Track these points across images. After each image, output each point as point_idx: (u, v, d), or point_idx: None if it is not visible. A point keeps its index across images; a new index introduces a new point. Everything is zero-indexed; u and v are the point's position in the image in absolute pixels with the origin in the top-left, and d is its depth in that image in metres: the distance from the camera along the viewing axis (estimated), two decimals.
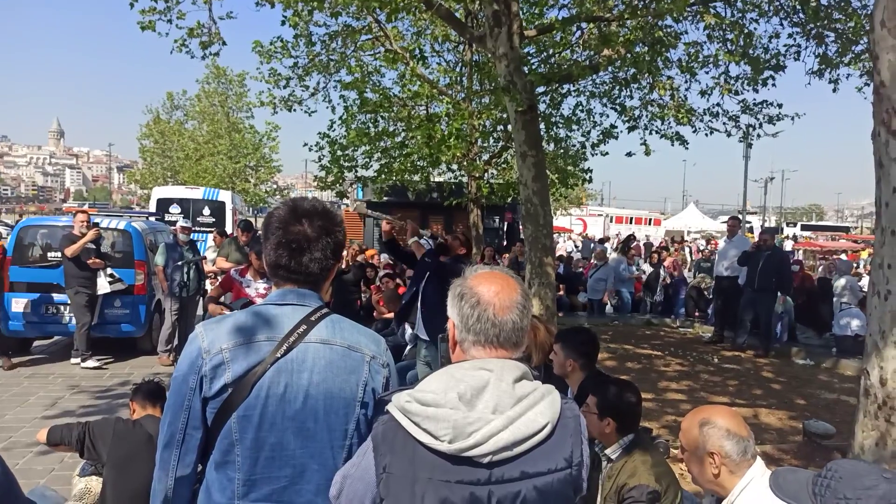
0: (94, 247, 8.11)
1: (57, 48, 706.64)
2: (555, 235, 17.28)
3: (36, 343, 9.06)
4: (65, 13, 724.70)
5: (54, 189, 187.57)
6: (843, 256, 22.22)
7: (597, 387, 3.00)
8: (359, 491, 1.45)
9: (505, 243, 17.57)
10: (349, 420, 1.71)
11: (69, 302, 8.04)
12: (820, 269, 16.77)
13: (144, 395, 3.53)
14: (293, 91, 11.65)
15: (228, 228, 15.66)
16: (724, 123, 9.18)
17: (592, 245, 19.63)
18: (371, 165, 13.92)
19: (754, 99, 8.79)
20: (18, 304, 8.22)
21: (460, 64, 13.27)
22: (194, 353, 1.66)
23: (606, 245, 19.73)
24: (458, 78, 13.19)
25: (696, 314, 12.50)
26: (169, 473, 1.69)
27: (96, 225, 8.19)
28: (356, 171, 13.79)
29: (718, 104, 8.90)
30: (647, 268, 14.43)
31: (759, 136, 9.15)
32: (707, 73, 8.49)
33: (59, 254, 8.11)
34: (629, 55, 7.42)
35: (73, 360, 8.08)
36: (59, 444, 3.27)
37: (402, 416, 1.40)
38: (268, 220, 1.82)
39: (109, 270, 8.25)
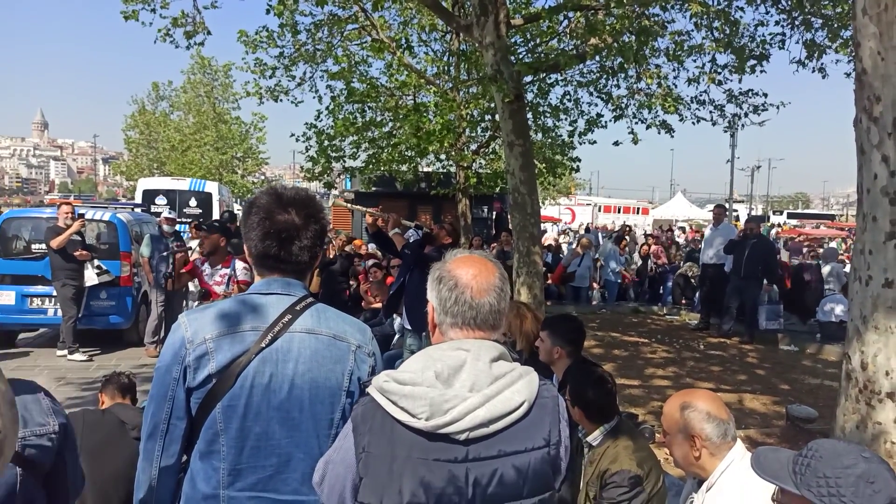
0: (79, 239, 8.06)
1: (40, 38, 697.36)
2: (544, 225, 17.35)
3: (21, 335, 9.00)
4: (48, 2, 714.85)
5: (39, 181, 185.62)
6: (834, 244, 22.45)
7: (568, 375, 3.04)
8: (340, 474, 1.46)
9: (493, 233, 17.60)
10: (335, 409, 1.72)
11: (55, 294, 8.00)
12: (800, 257, 16.93)
13: (115, 387, 3.54)
14: (279, 81, 11.59)
15: (216, 220, 15.56)
16: (710, 112, 9.23)
17: (602, 237, 19.52)
18: (359, 156, 13.88)
19: (740, 88, 8.82)
20: (3, 296, 8.18)
21: (447, 53, 13.22)
22: (178, 343, 1.65)
23: (592, 234, 19.77)
24: (446, 67, 13.15)
25: (683, 302, 12.60)
26: (153, 464, 1.68)
27: (81, 216, 8.14)
28: (344, 162, 13.74)
29: (705, 92, 8.95)
30: (638, 259, 14.52)
31: (744, 125, 9.20)
32: (694, 61, 8.52)
33: (43, 246, 8.05)
34: (616, 44, 7.43)
35: (59, 352, 8.04)
36: None
37: (379, 395, 1.42)
38: (250, 209, 1.79)
39: (96, 262, 8.21)
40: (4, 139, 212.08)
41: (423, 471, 1.36)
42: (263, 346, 1.65)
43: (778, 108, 8.77)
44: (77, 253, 7.95)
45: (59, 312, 8.03)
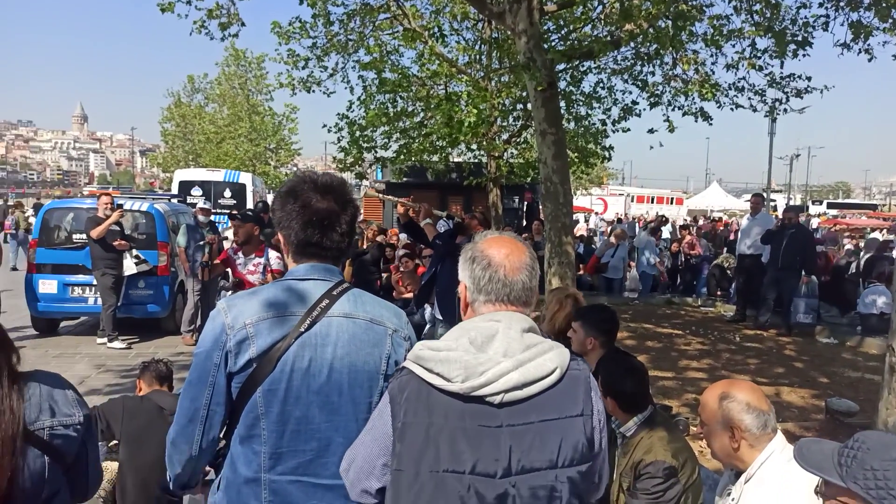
0: (118, 229, 8.24)
1: (79, 33, 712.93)
2: (576, 215, 17.17)
3: (63, 323, 9.25)
4: (86, 1, 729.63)
5: (79, 173, 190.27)
6: (878, 235, 21.82)
7: (600, 364, 3.00)
8: (371, 454, 1.47)
9: (524, 223, 17.49)
10: (373, 393, 1.73)
11: (95, 283, 8.19)
12: (836, 247, 16.47)
13: (153, 374, 3.59)
14: (312, 72, 11.64)
15: (250, 210, 15.76)
16: (749, 99, 8.99)
17: (638, 229, 19.27)
18: (390, 146, 13.89)
19: (781, 72, 8.55)
20: (45, 285, 8.40)
21: (479, 42, 13.13)
22: (218, 329, 1.67)
23: (625, 225, 19.55)
24: (477, 56, 13.06)
25: (718, 293, 12.38)
26: (192, 447, 1.69)
27: (120, 207, 8.31)
28: (375, 152, 13.77)
29: (744, 78, 8.70)
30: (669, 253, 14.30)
31: (785, 110, 8.94)
32: (733, 46, 8.29)
33: (83, 235, 8.25)
34: (652, 29, 7.28)
35: (98, 340, 8.24)
36: None
37: (415, 364, 1.45)
38: (285, 197, 1.79)
39: (135, 252, 8.39)
40: (46, 132, 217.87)
41: (460, 435, 1.38)
42: (303, 330, 1.67)
43: (822, 91, 8.48)
44: (116, 243, 8.12)
45: (99, 301, 8.23)
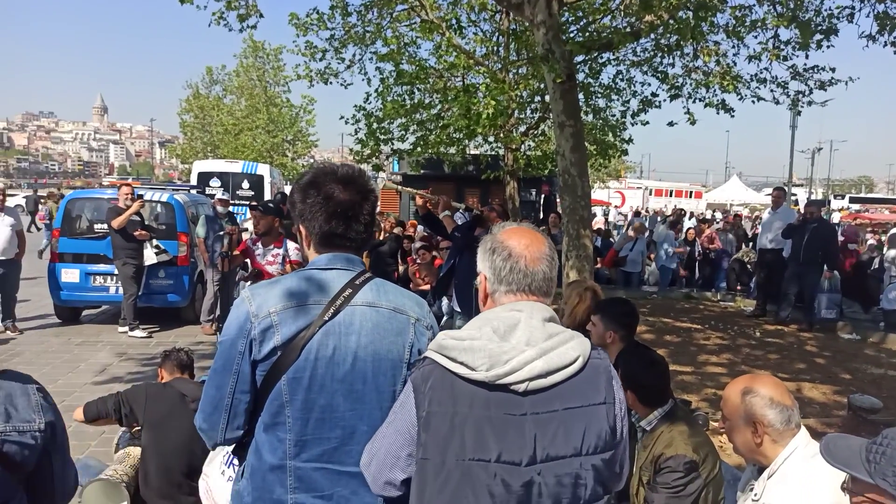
0: (139, 219, 8.32)
1: (99, 25, 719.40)
2: (593, 208, 17.06)
3: (85, 312, 9.38)
4: None
5: (99, 164, 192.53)
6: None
7: (621, 358, 2.98)
8: (394, 445, 1.48)
9: (542, 216, 17.42)
10: (397, 381, 1.74)
11: (116, 272, 8.29)
12: (856, 243, 16.20)
13: (174, 363, 3.63)
14: (329, 64, 11.64)
15: (269, 201, 15.87)
16: (771, 91, 8.85)
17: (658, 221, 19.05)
18: (407, 138, 13.88)
19: (805, 64, 8.41)
20: (68, 274, 8.52)
21: (497, 33, 13.07)
22: (242, 317, 1.67)
23: (645, 218, 19.41)
24: (495, 48, 13.00)
25: (738, 288, 12.26)
26: (218, 435, 1.72)
27: (140, 197, 8.39)
28: (392, 144, 13.77)
29: (766, 69, 8.57)
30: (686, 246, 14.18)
31: (809, 103, 8.79)
32: (755, 37, 8.16)
33: (105, 225, 8.34)
34: (672, 20, 7.18)
35: (120, 329, 8.35)
36: (97, 418, 3.36)
37: (438, 354, 1.45)
38: (306, 189, 1.80)
39: (155, 242, 8.49)
40: (67, 123, 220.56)
41: (485, 423, 1.38)
42: (326, 319, 1.68)
43: (846, 83, 8.33)
44: (137, 233, 8.21)
45: (120, 290, 8.33)
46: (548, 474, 1.38)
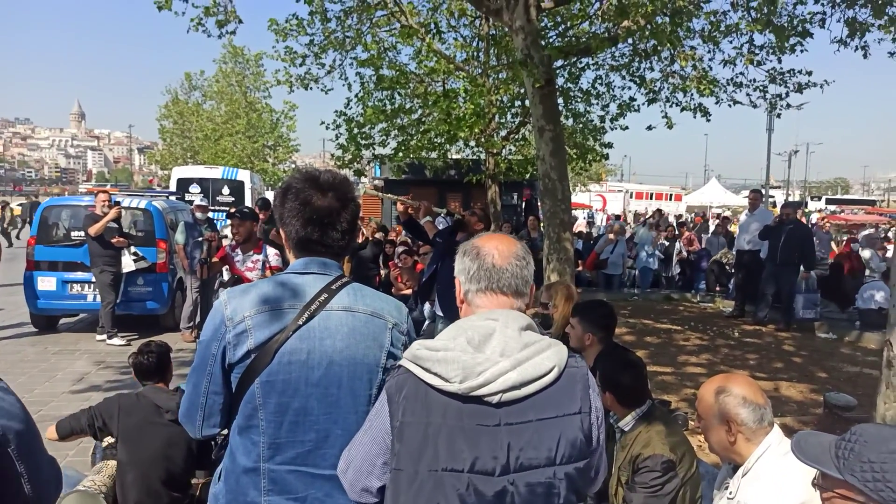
0: (116, 226, 8.24)
1: (76, 31, 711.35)
2: (574, 212, 17.17)
3: (62, 320, 9.26)
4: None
5: (77, 171, 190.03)
6: (871, 231, 21.80)
7: (600, 359, 3.01)
8: (370, 454, 1.49)
9: (523, 219, 17.49)
10: (372, 386, 1.74)
11: (94, 280, 8.19)
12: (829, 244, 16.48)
13: (139, 374, 3.51)
14: (309, 69, 11.62)
15: (248, 207, 15.75)
16: (747, 94, 8.99)
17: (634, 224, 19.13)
18: (388, 143, 13.89)
19: (780, 67, 8.56)
20: (45, 282, 8.42)
21: (477, 38, 13.12)
22: (218, 321, 1.70)
23: (625, 222, 19.56)
24: (475, 53, 13.05)
25: (717, 289, 12.39)
26: (196, 430, 1.76)
27: (118, 204, 8.31)
28: (373, 149, 13.76)
29: (742, 73, 8.71)
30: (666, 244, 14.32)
31: (787, 105, 8.93)
32: (731, 42, 8.29)
33: (82, 233, 8.25)
34: (649, 26, 7.28)
35: (98, 337, 8.25)
36: (70, 434, 3.30)
37: (412, 364, 1.45)
38: (286, 194, 1.81)
39: (133, 249, 8.40)
40: (44, 130, 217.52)
41: (458, 435, 1.39)
42: (301, 323, 1.68)
43: (822, 86, 8.48)
44: (114, 240, 8.13)
45: (98, 298, 8.22)
46: (521, 483, 1.38)
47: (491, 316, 1.48)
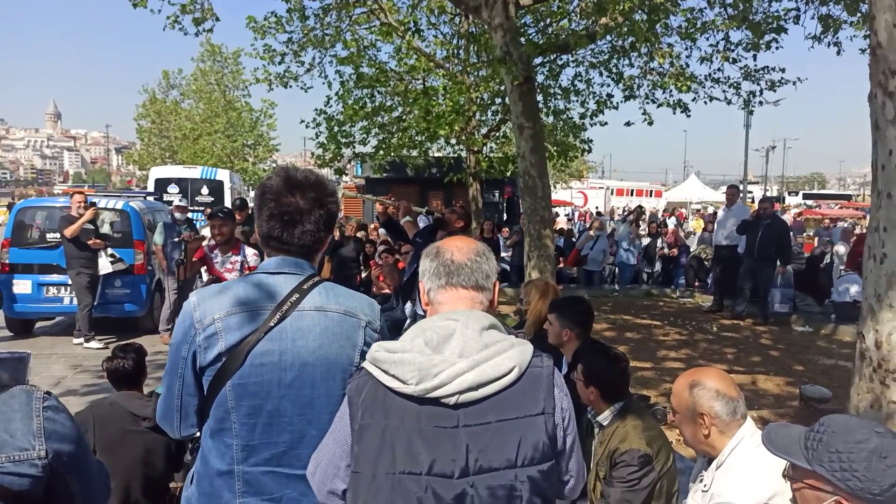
0: (92, 227, 8.13)
1: (51, 29, 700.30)
2: (555, 209, 17.25)
3: (38, 324, 9.13)
4: None
5: (53, 172, 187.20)
6: (845, 224, 22.17)
7: (582, 355, 3.02)
8: (335, 456, 1.48)
9: (505, 217, 17.54)
10: (347, 385, 1.73)
11: (70, 283, 8.08)
12: (802, 236, 16.74)
13: (114, 380, 3.42)
14: (288, 67, 11.56)
15: (229, 208, 15.60)
16: (723, 91, 9.10)
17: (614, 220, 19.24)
18: (369, 141, 13.87)
19: (755, 65, 8.67)
20: (20, 285, 8.30)
21: (457, 36, 13.13)
22: (187, 324, 1.68)
23: (606, 218, 19.67)
24: (455, 50, 13.06)
25: (697, 284, 12.51)
26: (174, 431, 1.76)
27: (93, 205, 8.20)
28: (354, 148, 13.72)
29: (720, 69, 8.82)
30: (647, 240, 14.43)
31: (761, 102, 9.05)
32: (707, 39, 8.39)
33: (57, 235, 8.13)
34: (627, 23, 7.33)
35: (75, 341, 8.14)
36: None
37: (371, 366, 1.45)
38: (261, 190, 1.81)
39: (110, 251, 8.30)
40: (19, 130, 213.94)
41: (416, 437, 1.37)
42: (272, 324, 1.67)
43: (795, 84, 8.61)
44: (90, 242, 8.02)
45: (75, 301, 8.10)
46: (480, 486, 1.36)
47: (452, 316, 1.47)
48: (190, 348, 1.66)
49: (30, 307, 8.41)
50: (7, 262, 8.37)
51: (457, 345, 1.41)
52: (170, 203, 10.84)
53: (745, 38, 8.20)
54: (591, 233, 12.91)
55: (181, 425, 1.74)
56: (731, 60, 8.18)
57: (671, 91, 9.39)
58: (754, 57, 8.23)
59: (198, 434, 1.79)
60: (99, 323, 8.30)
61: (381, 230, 13.41)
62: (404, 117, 13.42)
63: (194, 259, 6.43)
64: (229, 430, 1.66)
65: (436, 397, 1.38)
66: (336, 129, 13.06)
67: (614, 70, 10.02)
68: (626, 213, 19.60)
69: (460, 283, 1.53)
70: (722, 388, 2.12)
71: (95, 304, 8.18)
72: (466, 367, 1.38)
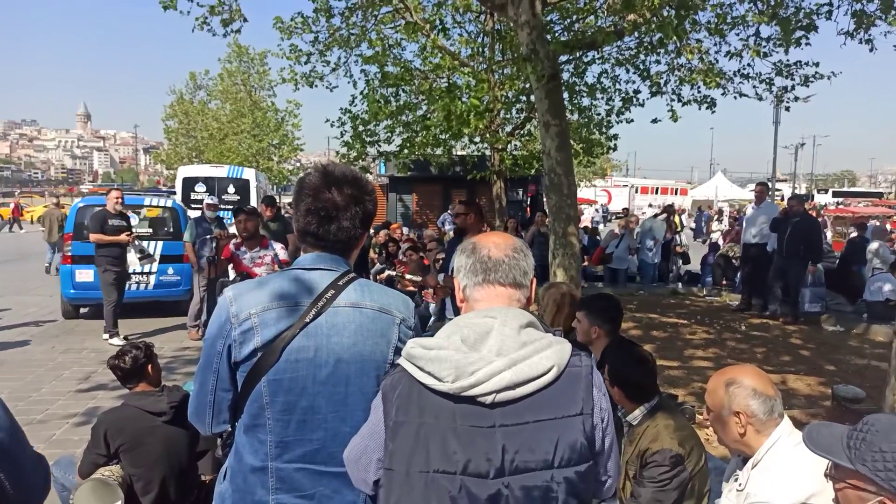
0: (124, 223, 8.28)
1: (82, 32, 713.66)
2: (579, 207, 17.13)
3: (83, 310, 9.77)
4: (89, 1, 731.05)
5: (83, 171, 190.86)
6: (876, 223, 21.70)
7: (608, 354, 2.99)
8: (368, 449, 1.48)
9: (529, 215, 17.46)
10: (380, 383, 1.73)
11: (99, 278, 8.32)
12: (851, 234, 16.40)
13: (119, 377, 3.42)
14: (314, 67, 11.64)
15: (253, 205, 15.76)
16: (754, 87, 8.94)
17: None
18: (393, 140, 13.87)
19: (787, 60, 8.50)
20: (82, 274, 9.00)
21: (482, 34, 13.09)
22: (223, 318, 1.68)
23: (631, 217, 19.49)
24: (480, 49, 13.02)
25: (724, 283, 12.35)
26: (206, 428, 1.75)
27: (131, 233, 8.32)
28: (378, 147, 13.76)
29: (749, 65, 8.66)
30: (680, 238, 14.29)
31: (795, 98, 8.86)
32: (737, 34, 8.24)
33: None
34: (655, 19, 7.24)
35: (104, 336, 8.29)
36: (93, 470, 3.19)
37: (407, 362, 1.43)
38: (299, 185, 1.82)
39: (139, 245, 8.50)
40: (50, 131, 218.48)
41: (451, 436, 1.36)
42: (308, 320, 1.66)
43: (829, 78, 8.42)
44: (124, 236, 8.14)
45: (132, 287, 8.99)
46: (516, 486, 1.34)
47: (489, 314, 1.44)
48: (225, 343, 1.66)
49: (90, 293, 8.97)
50: (70, 254, 9.10)
51: (494, 343, 1.39)
52: (197, 202, 11.01)
53: (776, 32, 8.06)
54: (616, 230, 12.82)
55: (213, 421, 1.73)
56: (761, 55, 8.02)
57: (699, 87, 9.26)
58: (786, 51, 8.08)
59: (229, 430, 1.80)
60: (145, 306, 9.43)
61: (405, 228, 13.50)
62: (428, 115, 13.42)
63: (222, 257, 6.52)
64: (263, 426, 1.66)
65: (472, 396, 1.36)
66: (361, 127, 13.11)
67: (641, 66, 9.90)
68: (658, 212, 19.43)
69: (497, 281, 1.50)
70: (759, 387, 2.09)
71: (152, 287, 9.26)
72: (504, 366, 1.36)
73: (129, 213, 8.91)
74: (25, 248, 21.74)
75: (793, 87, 8.73)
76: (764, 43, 8.10)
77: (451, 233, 6.36)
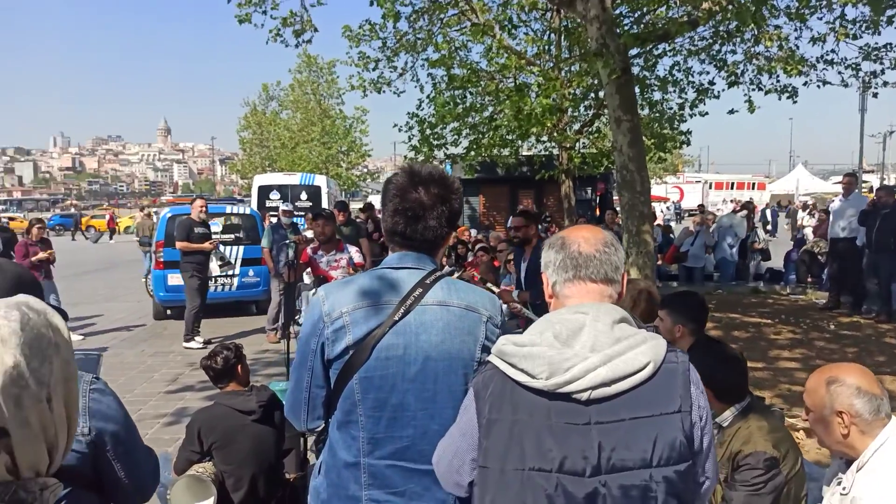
0: (207, 231, 8.64)
1: (162, 51, 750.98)
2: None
3: (168, 312, 10.30)
4: (168, 23, 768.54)
5: (164, 183, 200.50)
6: None
7: (695, 353, 2.89)
8: (460, 449, 1.47)
9: (598, 214, 17.16)
10: (468, 380, 1.72)
11: (211, 275, 8.96)
12: None
13: (211, 377, 3.53)
14: (382, 73, 11.83)
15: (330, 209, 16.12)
16: (839, 73, 8.49)
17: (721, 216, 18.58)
18: (460, 142, 13.93)
19: (875, 42, 8.06)
20: (174, 278, 9.46)
21: (548, 31, 12.98)
22: (316, 317, 1.72)
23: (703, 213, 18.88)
24: (546, 46, 12.92)
25: (809, 280, 11.79)
26: (301, 424, 1.80)
27: (213, 242, 8.69)
28: (446, 149, 13.83)
29: (833, 50, 8.23)
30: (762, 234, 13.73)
31: (884, 83, 8.36)
32: (820, 18, 7.84)
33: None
34: (731, 6, 6.98)
35: (184, 345, 8.62)
36: (188, 467, 3.29)
37: (499, 359, 1.42)
38: (386, 186, 1.84)
39: (221, 251, 8.83)
40: (134, 146, 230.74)
41: (546, 433, 1.33)
42: (397, 318, 1.68)
43: None
44: (208, 243, 8.48)
45: (219, 289, 9.71)
46: (613, 485, 1.31)
47: (580, 309, 1.41)
48: (318, 340, 1.70)
49: (180, 296, 9.29)
50: (162, 259, 9.76)
51: (587, 339, 1.36)
52: (272, 209, 11.41)
53: (862, 14, 7.63)
54: (691, 228, 12.43)
55: (308, 417, 1.77)
56: (851, 37, 7.56)
57: (778, 76, 8.87)
58: (878, 31, 7.61)
59: (322, 426, 1.84)
60: (228, 307, 10.19)
61: (473, 231, 13.51)
62: (495, 116, 13.40)
63: (301, 261, 6.70)
64: (356, 422, 1.70)
65: (567, 392, 1.33)
66: (428, 131, 13.22)
67: (716, 56, 9.57)
68: (735, 209, 18.76)
69: (589, 277, 1.47)
70: (864, 385, 1.97)
71: (234, 289, 9.95)
72: (599, 362, 1.33)
73: (211, 221, 9.34)
74: (114, 257, 23.01)
75: (882, 72, 8.24)
76: (850, 26, 7.68)
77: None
